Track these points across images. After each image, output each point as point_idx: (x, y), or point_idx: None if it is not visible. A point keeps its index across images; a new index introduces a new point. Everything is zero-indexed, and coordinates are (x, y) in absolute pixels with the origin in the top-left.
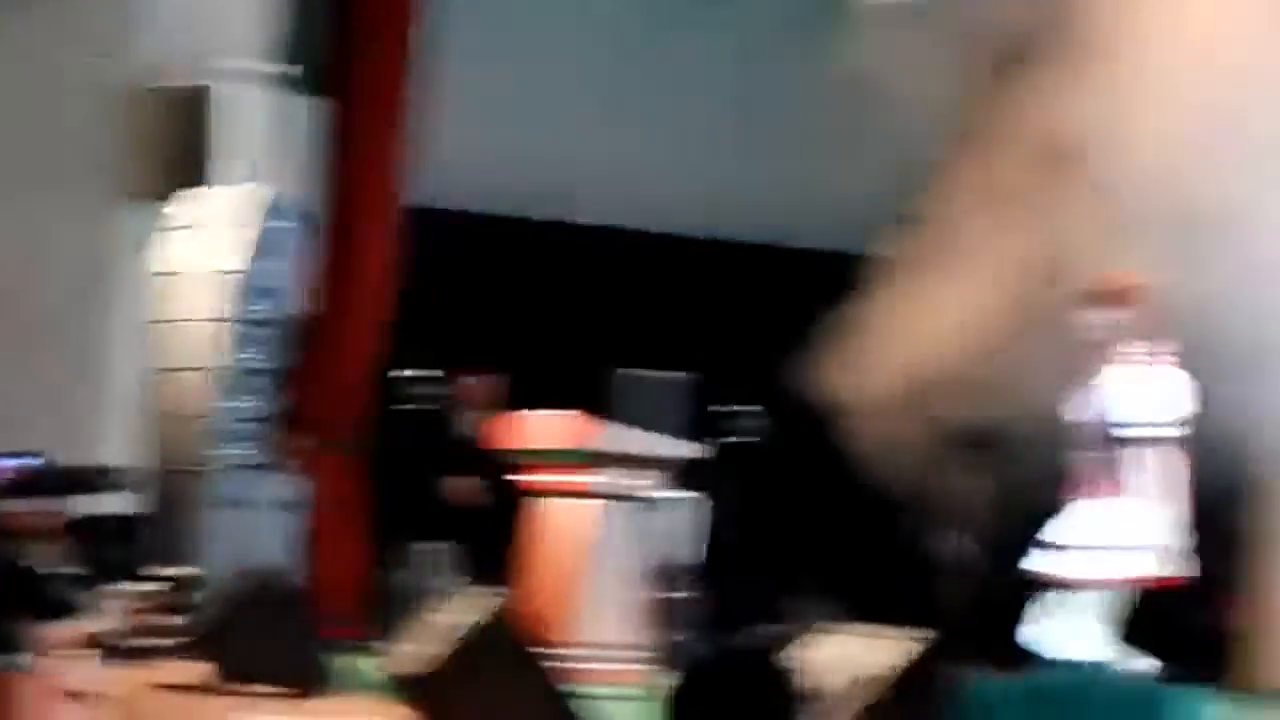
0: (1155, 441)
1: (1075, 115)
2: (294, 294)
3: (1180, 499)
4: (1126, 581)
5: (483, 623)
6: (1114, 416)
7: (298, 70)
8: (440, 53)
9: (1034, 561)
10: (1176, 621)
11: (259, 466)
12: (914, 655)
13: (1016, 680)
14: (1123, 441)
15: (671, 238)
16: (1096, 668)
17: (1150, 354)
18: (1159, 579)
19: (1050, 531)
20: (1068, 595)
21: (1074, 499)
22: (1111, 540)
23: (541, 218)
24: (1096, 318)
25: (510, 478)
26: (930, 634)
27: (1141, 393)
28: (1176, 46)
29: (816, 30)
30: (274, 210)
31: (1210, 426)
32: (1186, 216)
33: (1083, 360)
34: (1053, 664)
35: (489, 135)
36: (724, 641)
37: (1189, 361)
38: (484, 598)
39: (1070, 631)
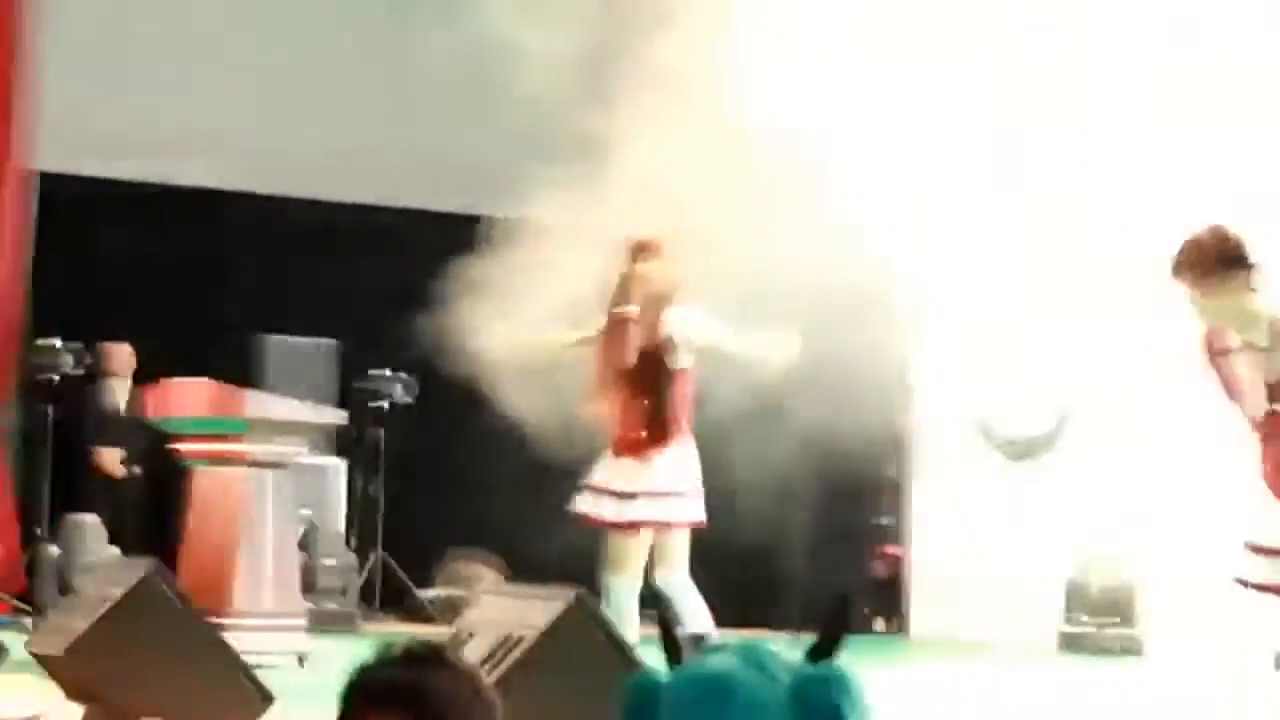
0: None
1: (698, 62)
2: None
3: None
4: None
5: (128, 593)
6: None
7: None
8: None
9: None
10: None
11: None
12: (562, 613)
13: (677, 672)
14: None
15: (313, 202)
16: (748, 648)
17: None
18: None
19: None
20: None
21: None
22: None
23: (180, 184)
24: (643, 269)
25: (159, 447)
26: (578, 592)
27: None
28: None
29: None
30: None
31: (842, 381)
32: (790, 170)
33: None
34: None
35: (120, 101)
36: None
37: (804, 314)
38: (132, 568)
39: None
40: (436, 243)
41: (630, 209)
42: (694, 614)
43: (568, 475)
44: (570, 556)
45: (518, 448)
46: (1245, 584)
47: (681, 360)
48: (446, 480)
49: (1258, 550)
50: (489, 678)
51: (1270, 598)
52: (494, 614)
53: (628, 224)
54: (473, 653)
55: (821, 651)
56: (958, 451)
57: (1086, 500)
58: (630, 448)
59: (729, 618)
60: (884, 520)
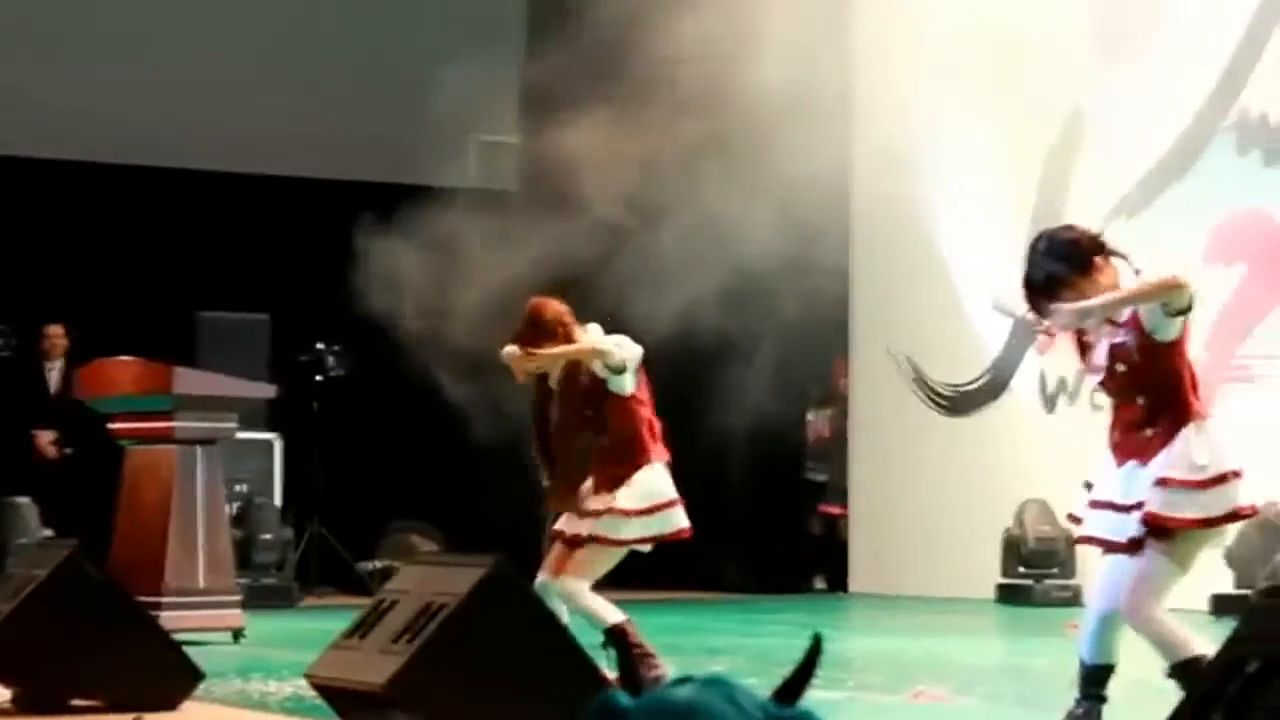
0: None
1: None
2: None
3: None
4: None
5: (52, 573)
6: None
7: None
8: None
9: None
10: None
11: None
12: (482, 579)
13: (645, 698)
14: None
15: (246, 176)
16: (715, 682)
17: None
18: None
19: None
20: None
21: None
22: None
23: (108, 161)
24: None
25: (93, 427)
26: (498, 558)
27: None
28: None
29: None
30: None
31: (781, 340)
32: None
33: None
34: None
35: (45, 77)
36: None
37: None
38: (57, 549)
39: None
40: (371, 214)
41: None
42: (598, 613)
43: (500, 448)
44: (507, 527)
45: (455, 421)
46: (1090, 541)
47: (618, 386)
48: (384, 453)
49: (1100, 506)
50: (410, 647)
51: (1117, 556)
52: (415, 583)
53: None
54: (393, 622)
55: (791, 691)
56: (896, 407)
57: (1024, 452)
58: (611, 484)
59: (670, 580)
60: (823, 477)
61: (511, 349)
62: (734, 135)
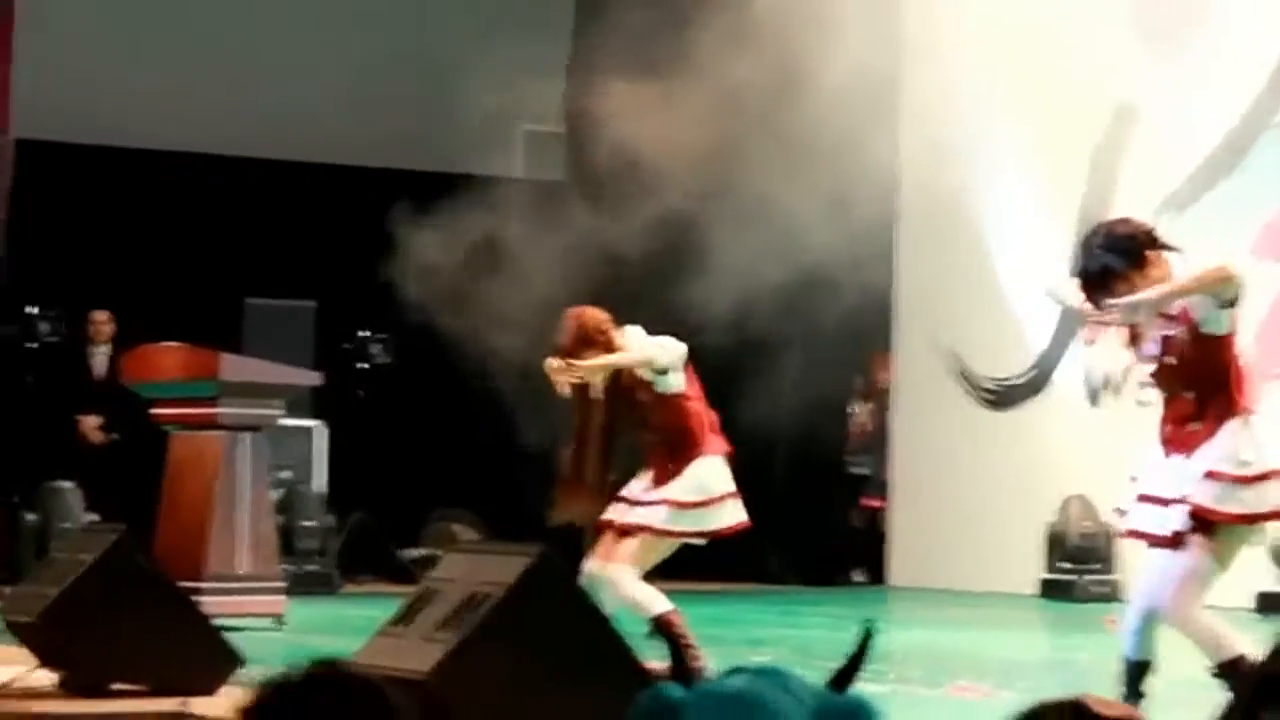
0: None
1: None
2: None
3: None
4: None
5: (98, 559)
6: None
7: None
8: None
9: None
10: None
11: None
12: (527, 569)
13: (700, 688)
14: None
15: (290, 164)
16: (768, 672)
17: None
18: None
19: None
20: None
21: None
22: None
23: (156, 148)
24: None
25: (139, 412)
26: (543, 548)
27: None
28: None
29: None
30: None
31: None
32: None
33: None
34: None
35: (93, 63)
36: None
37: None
38: (103, 535)
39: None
40: (417, 203)
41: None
42: (644, 602)
43: (543, 439)
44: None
45: (499, 411)
46: (1134, 535)
47: (665, 386)
48: (427, 441)
49: (1145, 499)
50: (454, 636)
51: (1160, 550)
52: (459, 571)
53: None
54: (437, 611)
55: (843, 680)
56: (938, 401)
57: (1068, 447)
58: (666, 476)
59: (710, 571)
60: (864, 470)
61: (554, 361)
62: (783, 124)
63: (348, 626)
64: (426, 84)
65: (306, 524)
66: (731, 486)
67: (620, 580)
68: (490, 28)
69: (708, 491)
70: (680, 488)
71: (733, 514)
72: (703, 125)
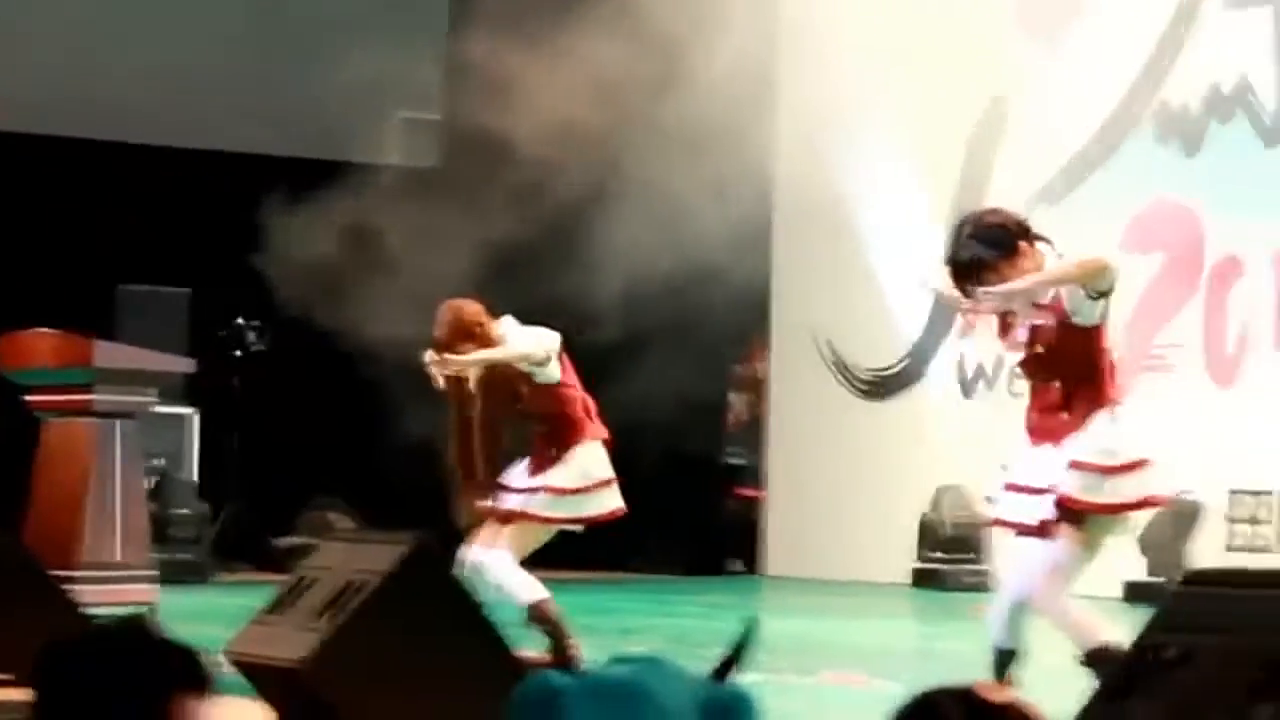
0: None
1: None
2: None
3: None
4: None
5: None
6: None
7: None
8: None
9: None
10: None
11: None
12: (404, 557)
13: (581, 677)
14: None
15: (164, 150)
16: (652, 661)
17: None
18: None
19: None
20: None
21: None
22: None
23: (27, 131)
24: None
25: (10, 399)
26: (420, 536)
27: None
28: None
29: None
30: None
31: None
32: None
33: None
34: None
35: None
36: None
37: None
38: None
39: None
40: (294, 189)
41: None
42: (521, 589)
43: (419, 428)
44: (422, 508)
45: (375, 399)
46: (1003, 524)
47: (544, 377)
48: (303, 430)
49: (1014, 489)
50: (330, 624)
51: (1028, 540)
52: (335, 560)
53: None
54: (313, 599)
55: (725, 671)
56: (814, 392)
57: (941, 438)
58: (546, 463)
59: (585, 560)
60: (740, 460)
61: (430, 354)
62: (663, 115)
63: (221, 615)
64: (301, 69)
65: (179, 512)
66: (610, 473)
67: (497, 567)
68: (367, 14)
69: (587, 478)
70: (559, 474)
71: (610, 500)
72: (583, 113)
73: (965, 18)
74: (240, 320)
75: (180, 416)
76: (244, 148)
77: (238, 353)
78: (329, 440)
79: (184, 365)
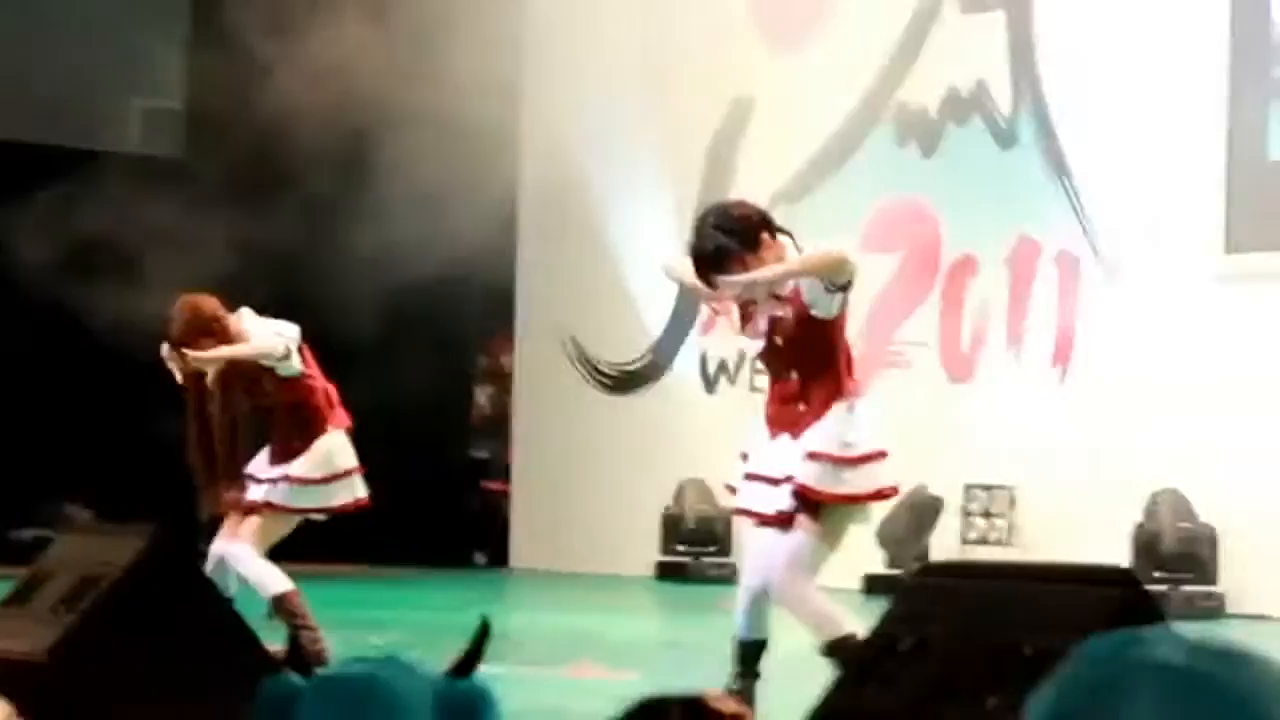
0: None
1: None
2: None
3: None
4: None
5: None
6: None
7: None
8: None
9: None
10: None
11: None
12: (143, 549)
13: (321, 676)
14: None
15: None
16: (389, 660)
17: None
18: None
19: None
20: None
21: None
22: None
23: None
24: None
25: None
26: (159, 527)
27: None
28: None
29: None
30: None
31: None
32: None
33: None
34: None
35: None
36: None
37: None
38: None
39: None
40: (26, 177)
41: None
42: (265, 580)
43: (158, 421)
44: (162, 500)
45: (114, 392)
46: (743, 513)
47: (287, 370)
48: (39, 422)
49: (753, 478)
50: (70, 617)
51: (768, 530)
52: (75, 553)
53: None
54: (52, 592)
55: (464, 668)
56: (558, 386)
57: (684, 431)
58: (288, 454)
59: (331, 554)
60: (485, 454)
61: (167, 350)
62: (405, 114)
63: None
64: (39, 54)
65: None
66: (354, 462)
67: (241, 558)
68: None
69: (330, 467)
70: (302, 464)
71: (354, 490)
72: (329, 106)
73: (709, 20)
74: None
75: None
76: None
77: None
78: (69, 433)
79: None
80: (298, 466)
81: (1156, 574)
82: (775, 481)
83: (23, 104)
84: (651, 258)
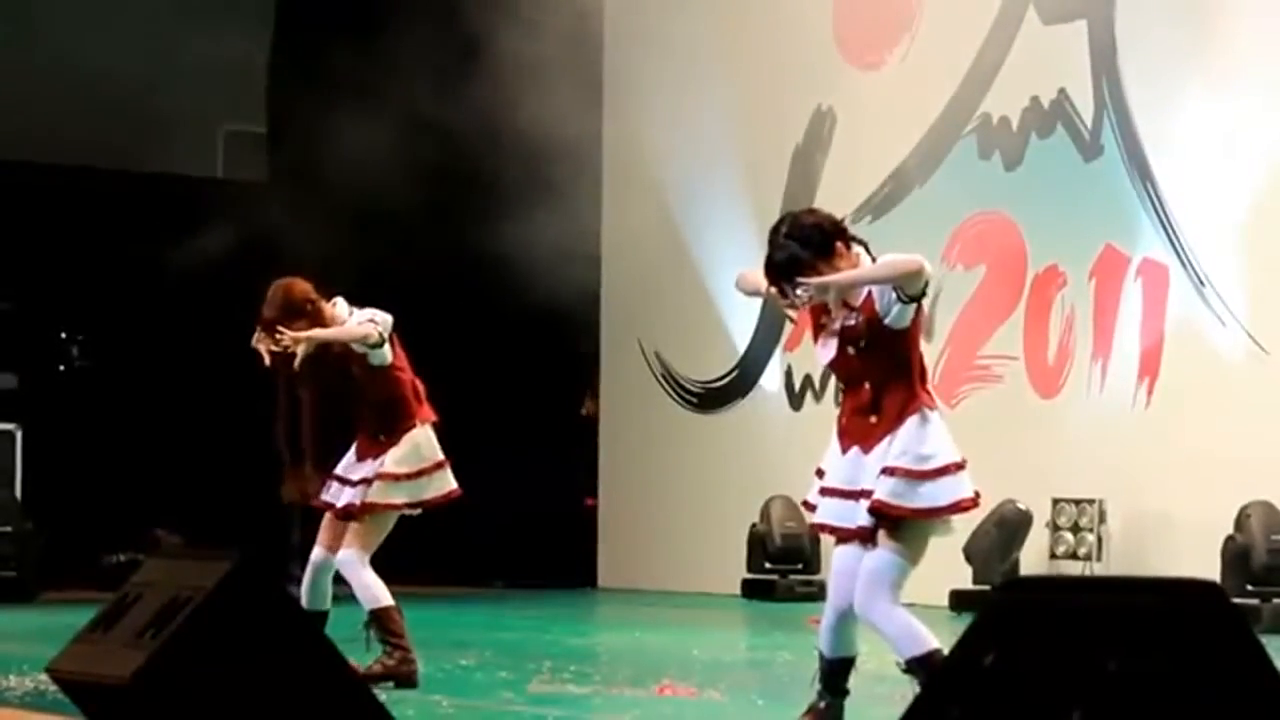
0: None
1: None
2: None
3: None
4: None
5: None
6: None
7: None
8: None
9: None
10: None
11: None
12: (228, 573)
13: None
14: None
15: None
16: None
17: None
18: None
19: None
20: None
21: None
22: None
23: None
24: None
25: None
26: (244, 552)
27: None
28: None
29: None
30: None
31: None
32: None
33: None
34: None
35: None
36: None
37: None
38: None
39: None
40: (118, 204)
41: None
42: (370, 590)
43: (246, 446)
44: (252, 523)
45: (203, 415)
46: (822, 528)
47: (378, 359)
48: (131, 446)
49: (829, 493)
50: (155, 641)
51: (851, 546)
52: (162, 575)
53: None
54: (138, 616)
55: None
56: (644, 403)
57: (771, 448)
58: (377, 450)
59: (426, 576)
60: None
61: (259, 334)
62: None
63: (47, 634)
64: (128, 84)
65: (3, 530)
66: (441, 455)
67: (354, 564)
68: (190, 27)
69: (421, 460)
70: (394, 460)
71: (445, 482)
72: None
73: (792, 34)
74: (64, 335)
75: (3, 433)
76: (69, 160)
77: (62, 367)
78: (158, 456)
79: (4, 381)
80: (389, 462)
81: (1248, 587)
82: (851, 495)
83: (114, 133)
84: (735, 273)
